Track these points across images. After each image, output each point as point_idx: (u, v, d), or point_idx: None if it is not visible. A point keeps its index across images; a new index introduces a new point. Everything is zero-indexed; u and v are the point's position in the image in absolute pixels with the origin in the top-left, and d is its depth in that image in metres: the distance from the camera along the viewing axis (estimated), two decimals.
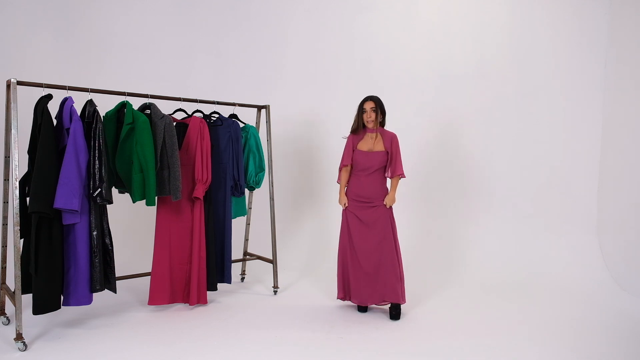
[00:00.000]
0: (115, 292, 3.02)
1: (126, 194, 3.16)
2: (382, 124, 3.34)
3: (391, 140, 3.29)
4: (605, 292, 3.81)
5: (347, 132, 3.42)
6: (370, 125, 3.30)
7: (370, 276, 3.24)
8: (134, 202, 3.06)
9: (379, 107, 3.28)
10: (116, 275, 3.04)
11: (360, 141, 3.31)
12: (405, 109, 4.71)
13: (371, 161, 3.25)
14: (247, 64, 5.07)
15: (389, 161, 3.28)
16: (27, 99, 3.28)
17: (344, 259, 3.35)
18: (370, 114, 3.25)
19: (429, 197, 4.79)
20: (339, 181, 3.41)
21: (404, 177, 3.33)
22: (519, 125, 4.55)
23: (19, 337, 2.59)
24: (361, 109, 3.30)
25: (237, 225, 3.94)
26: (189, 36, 5.05)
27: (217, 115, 3.62)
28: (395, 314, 3.23)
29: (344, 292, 3.38)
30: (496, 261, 4.38)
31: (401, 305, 3.32)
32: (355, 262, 3.27)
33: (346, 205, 3.32)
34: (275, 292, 3.81)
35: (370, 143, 3.29)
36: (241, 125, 3.77)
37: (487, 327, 3.11)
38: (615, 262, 4.01)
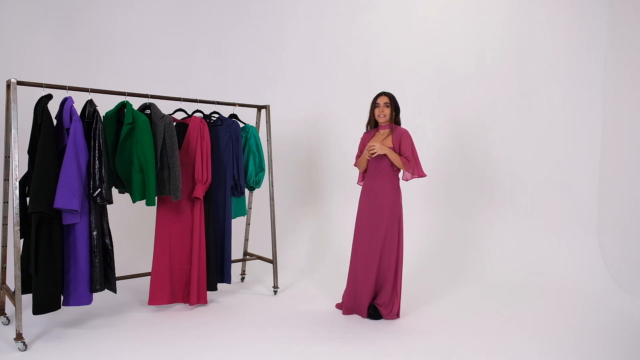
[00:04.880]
0: (115, 292, 3.02)
1: (126, 194, 3.16)
2: (397, 121, 3.22)
3: (400, 137, 3.11)
4: (605, 292, 3.81)
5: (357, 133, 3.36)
6: (382, 121, 3.16)
7: (367, 288, 3.14)
8: (134, 202, 3.06)
9: (393, 104, 3.16)
10: (116, 275, 3.04)
11: (371, 139, 3.18)
12: (404, 109, 4.69)
13: (377, 160, 3.12)
14: (247, 63, 5.07)
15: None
16: (27, 99, 3.28)
17: (354, 266, 3.24)
18: (383, 109, 3.13)
19: (428, 197, 4.78)
20: (360, 182, 3.37)
21: (425, 176, 3.15)
22: (518, 125, 4.54)
23: (19, 337, 2.59)
24: (374, 104, 3.18)
25: (237, 225, 3.94)
26: (189, 36, 5.05)
27: (217, 115, 3.61)
28: (373, 313, 3.12)
29: (348, 303, 3.27)
30: (496, 261, 4.38)
31: (401, 306, 3.28)
32: (358, 272, 3.19)
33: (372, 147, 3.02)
34: (275, 292, 3.81)
35: (379, 141, 3.15)
36: (241, 125, 3.77)
37: (488, 327, 3.11)
38: (615, 262, 4.01)
